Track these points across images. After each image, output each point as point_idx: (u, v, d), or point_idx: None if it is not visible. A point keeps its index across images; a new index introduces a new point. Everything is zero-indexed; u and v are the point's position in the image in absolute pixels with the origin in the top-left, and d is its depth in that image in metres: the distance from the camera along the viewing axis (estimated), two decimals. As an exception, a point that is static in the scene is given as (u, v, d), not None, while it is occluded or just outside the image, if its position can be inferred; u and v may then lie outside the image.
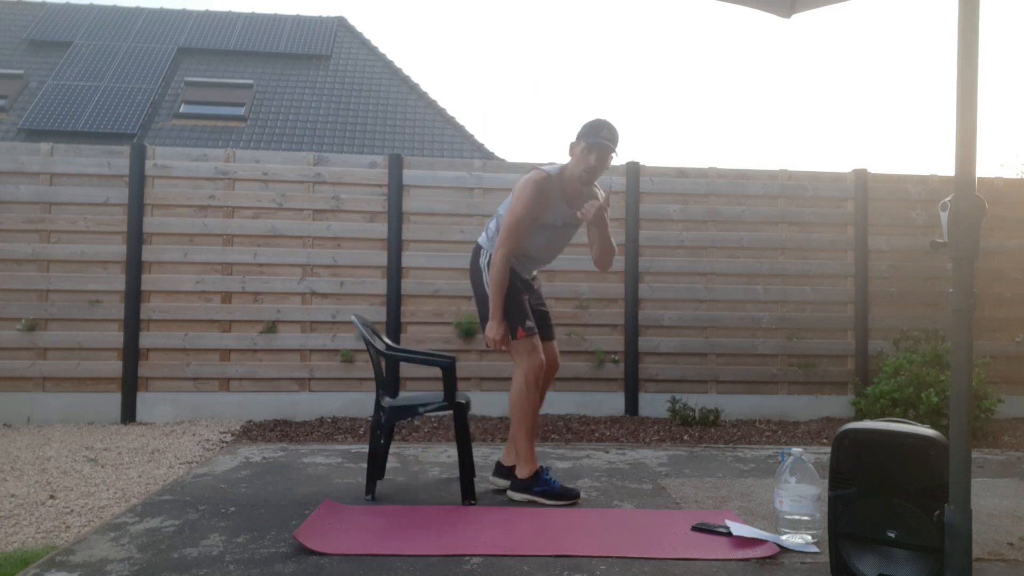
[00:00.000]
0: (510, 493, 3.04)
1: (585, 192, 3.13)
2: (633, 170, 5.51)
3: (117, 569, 2.22)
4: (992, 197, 5.57)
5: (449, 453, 4.03)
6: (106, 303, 5.08)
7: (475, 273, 3.15)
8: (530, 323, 3.02)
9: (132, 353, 5.06)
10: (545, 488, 2.99)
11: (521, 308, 3.03)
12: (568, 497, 2.99)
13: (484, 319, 3.05)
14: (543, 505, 2.96)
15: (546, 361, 3.13)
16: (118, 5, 15.69)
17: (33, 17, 15.09)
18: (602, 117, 3.05)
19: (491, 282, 2.99)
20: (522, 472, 3.02)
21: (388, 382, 5.17)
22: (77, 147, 5.21)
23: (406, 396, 3.56)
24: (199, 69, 14.50)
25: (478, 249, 3.17)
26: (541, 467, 3.05)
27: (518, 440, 3.02)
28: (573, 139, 3.04)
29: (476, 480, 3.12)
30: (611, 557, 2.34)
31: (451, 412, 3.04)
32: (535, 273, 3.29)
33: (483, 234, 3.19)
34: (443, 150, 13.43)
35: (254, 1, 36.99)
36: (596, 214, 3.03)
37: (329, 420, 5.08)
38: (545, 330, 3.23)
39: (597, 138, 2.95)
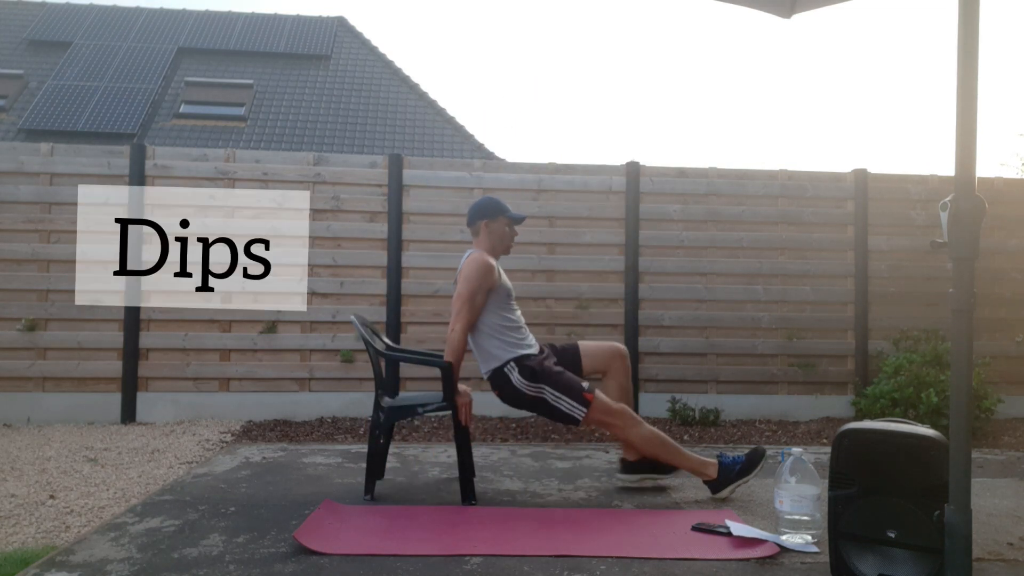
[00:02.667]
0: (717, 496, 3.10)
1: None
2: (633, 170, 5.51)
3: (117, 569, 2.22)
4: (992, 197, 5.57)
5: (449, 453, 4.03)
6: (106, 303, 5.07)
7: (513, 390, 3.13)
8: (585, 383, 3.11)
9: (132, 353, 5.06)
10: (737, 468, 3.10)
11: (569, 380, 3.11)
12: (757, 459, 3.10)
13: (550, 411, 3.11)
14: (749, 483, 3.10)
15: (609, 354, 3.28)
16: (118, 5, 15.69)
17: (33, 17, 15.09)
18: (487, 196, 3.39)
19: (448, 352, 3.07)
20: (710, 474, 3.10)
21: (388, 382, 5.18)
22: (77, 147, 5.21)
23: (406, 396, 3.56)
24: (199, 69, 14.50)
25: (499, 371, 3.15)
26: (718, 457, 3.14)
27: (681, 463, 3.12)
28: (483, 220, 3.27)
29: (476, 480, 3.13)
30: (611, 557, 2.34)
31: (451, 412, 3.04)
32: (535, 344, 3.30)
33: (483, 363, 3.19)
34: (443, 150, 13.43)
35: (254, 1, 37.00)
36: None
37: (329, 420, 5.08)
38: (573, 347, 3.35)
39: (513, 213, 3.30)
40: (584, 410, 3.05)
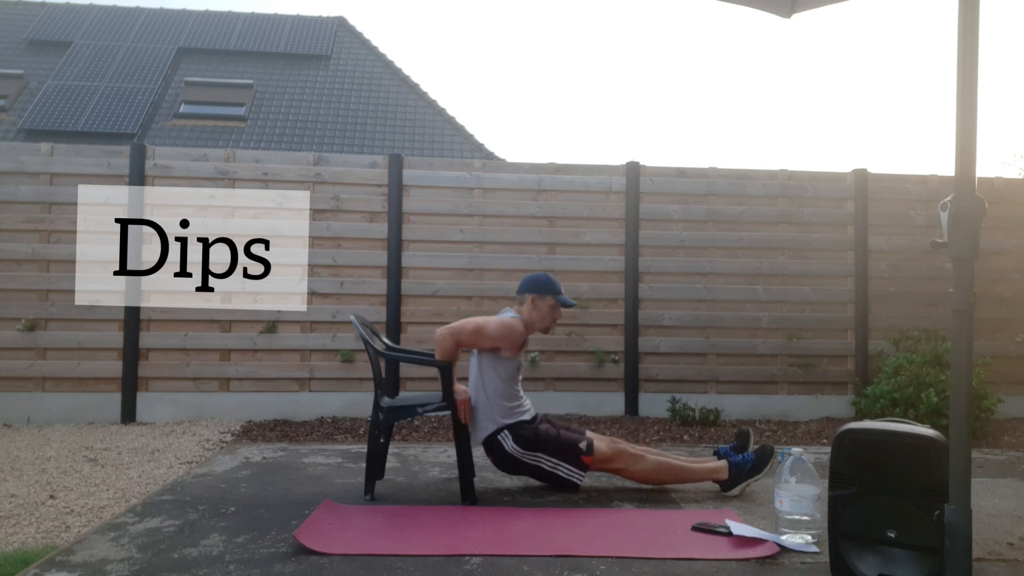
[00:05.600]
0: (728, 494, 3.14)
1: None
2: (633, 170, 5.51)
3: (117, 569, 2.22)
4: (992, 197, 5.57)
5: (449, 453, 4.03)
6: (106, 303, 5.07)
7: (508, 457, 3.13)
8: (582, 442, 3.12)
9: (132, 353, 5.06)
10: (747, 467, 3.12)
11: (564, 442, 3.13)
12: (766, 457, 3.12)
13: (548, 478, 3.13)
14: (759, 480, 3.12)
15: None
16: (118, 5, 15.69)
17: (33, 17, 15.09)
18: (545, 273, 3.31)
19: (438, 352, 3.07)
20: (721, 476, 3.14)
21: (387, 382, 5.18)
22: (77, 147, 5.21)
23: (405, 396, 3.56)
24: (199, 69, 14.50)
25: (492, 439, 3.13)
26: (728, 460, 3.16)
27: (692, 479, 3.17)
28: (531, 293, 3.22)
29: (476, 480, 3.12)
30: (611, 557, 2.34)
31: (450, 412, 3.04)
32: (532, 410, 3.29)
33: (479, 422, 3.16)
34: (443, 150, 13.43)
35: (254, 1, 36.98)
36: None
37: (329, 420, 5.08)
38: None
39: (564, 297, 3.26)
40: (583, 475, 3.12)
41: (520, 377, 3.27)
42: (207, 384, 5.14)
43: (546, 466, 3.12)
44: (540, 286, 3.23)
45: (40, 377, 5.02)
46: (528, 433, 3.13)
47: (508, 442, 3.11)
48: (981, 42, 2.00)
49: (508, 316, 3.21)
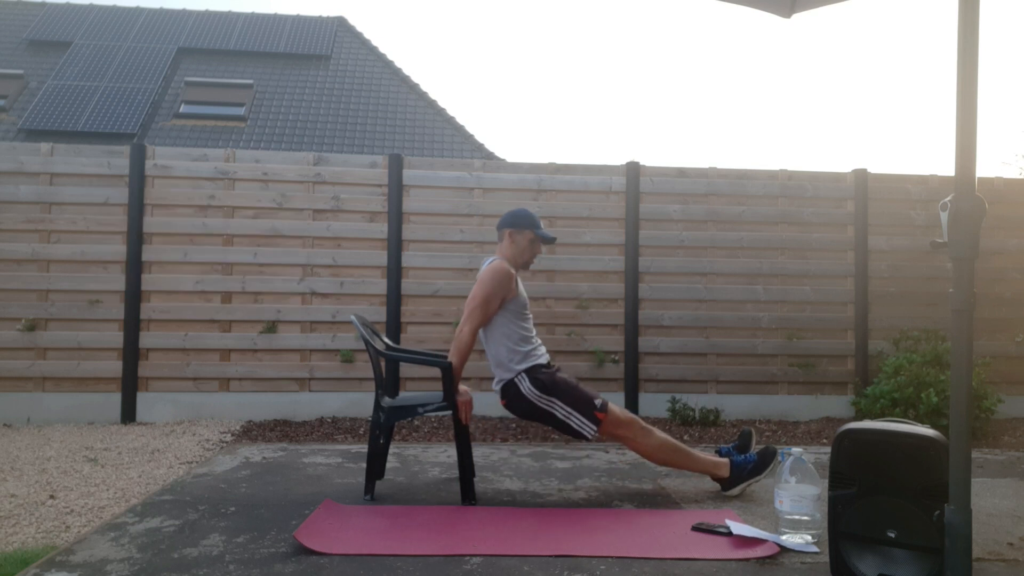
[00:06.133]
0: (728, 493, 3.14)
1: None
2: (633, 170, 5.51)
3: (117, 569, 2.22)
4: (992, 197, 5.57)
5: (449, 453, 4.03)
6: (106, 303, 5.08)
7: (523, 401, 3.13)
8: (598, 399, 3.11)
9: (132, 353, 5.06)
10: (748, 467, 3.12)
11: (581, 393, 3.12)
12: (768, 459, 3.12)
13: (559, 426, 3.12)
14: (760, 481, 3.12)
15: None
16: (118, 5, 15.69)
17: (33, 17, 15.09)
18: (524, 208, 3.30)
19: (454, 351, 3.06)
20: (722, 473, 3.14)
21: (388, 382, 5.18)
22: (77, 147, 5.21)
23: (405, 396, 3.56)
24: (199, 69, 14.50)
25: (510, 383, 3.14)
26: (730, 458, 3.16)
27: (694, 466, 3.15)
28: (509, 229, 3.24)
29: (476, 480, 3.12)
30: (611, 557, 2.34)
31: (451, 412, 3.04)
32: (546, 354, 3.29)
33: (496, 372, 3.18)
34: (443, 150, 13.43)
35: (254, 1, 36.98)
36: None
37: (329, 420, 5.08)
38: None
39: (543, 231, 3.25)
40: (595, 428, 3.08)
41: (529, 315, 3.26)
42: (207, 384, 5.14)
43: (559, 413, 3.09)
44: (517, 220, 3.24)
45: (40, 377, 5.02)
46: (545, 377, 3.11)
47: (525, 383, 3.10)
48: (981, 42, 2.00)
49: (488, 263, 3.21)
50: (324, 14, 16.84)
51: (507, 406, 3.19)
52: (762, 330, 5.52)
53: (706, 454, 3.23)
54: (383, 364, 3.28)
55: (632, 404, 5.36)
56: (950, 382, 2.06)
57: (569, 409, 3.08)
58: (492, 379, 5.21)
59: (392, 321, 5.26)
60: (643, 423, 3.15)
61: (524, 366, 3.13)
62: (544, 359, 3.22)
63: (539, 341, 3.28)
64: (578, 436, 3.10)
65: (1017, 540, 2.56)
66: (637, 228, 5.48)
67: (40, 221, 5.09)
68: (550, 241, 3.25)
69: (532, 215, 3.26)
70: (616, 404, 5.16)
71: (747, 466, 3.13)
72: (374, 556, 2.33)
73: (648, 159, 15.63)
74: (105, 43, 14.45)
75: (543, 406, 3.10)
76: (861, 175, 5.65)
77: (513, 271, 3.19)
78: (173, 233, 5.18)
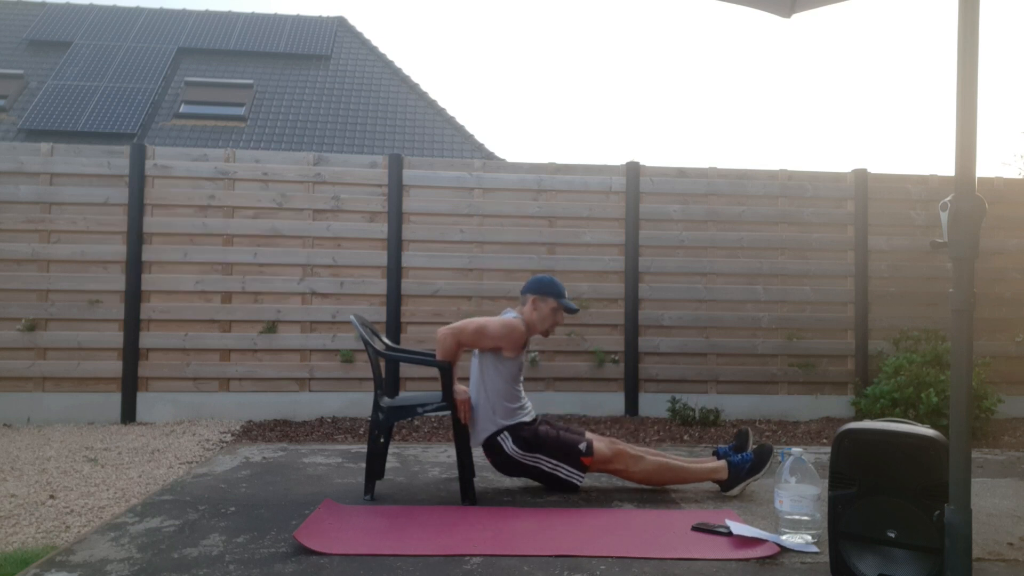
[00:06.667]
0: (727, 494, 3.15)
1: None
2: (633, 170, 5.51)
3: (117, 569, 2.22)
4: (992, 197, 5.57)
5: (449, 453, 4.03)
6: (106, 303, 5.08)
7: (507, 459, 3.12)
8: (582, 443, 3.12)
9: (132, 353, 5.06)
10: (746, 466, 3.13)
11: (564, 443, 3.13)
12: (765, 457, 3.13)
13: (548, 480, 3.13)
14: (759, 480, 3.13)
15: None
16: (118, 5, 15.69)
17: (33, 17, 15.09)
18: (549, 276, 3.29)
19: (438, 351, 3.07)
20: (720, 476, 3.15)
21: (387, 382, 5.18)
22: (77, 147, 5.21)
23: (405, 396, 3.56)
24: (199, 69, 14.50)
25: (493, 441, 3.12)
26: (727, 460, 3.17)
27: (692, 479, 3.18)
28: (533, 295, 3.21)
29: (476, 480, 3.12)
30: (611, 557, 2.34)
31: (450, 412, 3.04)
32: (532, 411, 3.28)
33: (479, 419, 3.14)
34: (443, 150, 13.43)
35: (254, 1, 36.98)
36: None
37: (329, 420, 5.08)
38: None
39: (567, 301, 3.24)
40: (583, 476, 3.12)
41: (522, 378, 3.26)
42: (207, 384, 5.14)
43: (546, 467, 3.12)
44: (543, 288, 3.22)
45: (40, 377, 5.02)
46: (528, 434, 3.12)
47: (508, 443, 3.11)
48: (981, 42, 2.00)
49: (510, 316, 3.20)
50: (324, 14, 16.85)
51: (492, 463, 3.19)
52: (762, 330, 5.52)
53: (701, 462, 3.24)
54: (383, 364, 3.28)
55: (632, 404, 5.37)
56: (950, 382, 2.06)
57: (555, 462, 3.11)
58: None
59: (392, 321, 5.26)
60: (631, 451, 3.14)
61: (509, 422, 3.12)
62: (529, 418, 3.21)
63: (527, 401, 3.27)
64: (568, 488, 3.13)
65: (1017, 540, 2.56)
66: (637, 228, 5.48)
67: (40, 221, 5.09)
68: (573, 311, 3.23)
69: (558, 284, 3.24)
70: (615, 404, 5.17)
71: (745, 465, 3.13)
72: (374, 556, 2.33)
73: (648, 159, 15.63)
74: (105, 43, 14.45)
75: (528, 463, 3.12)
76: (861, 175, 5.65)
77: (527, 335, 3.18)
78: (173, 233, 5.18)
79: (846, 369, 5.54)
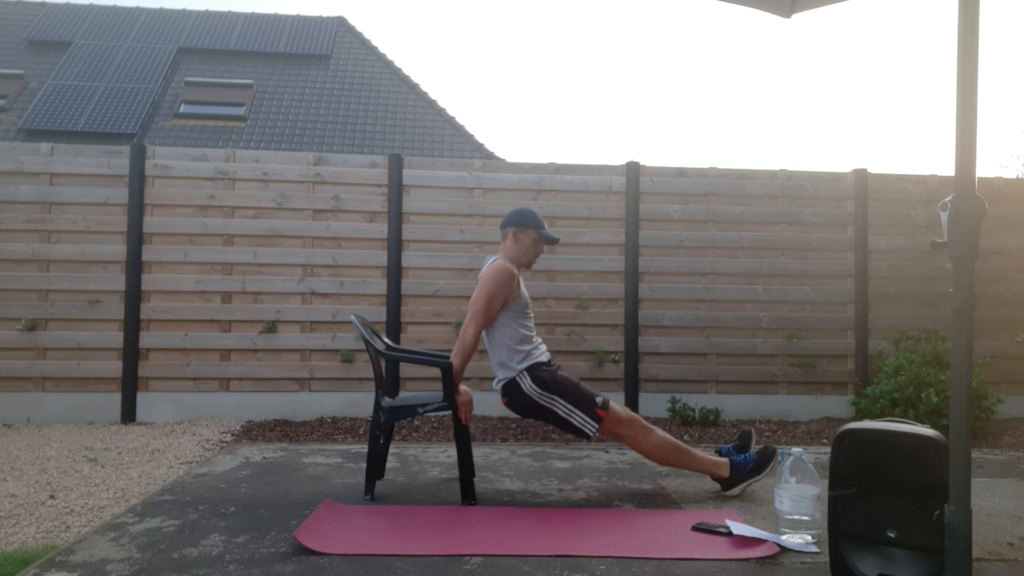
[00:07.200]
0: (728, 493, 3.14)
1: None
2: (633, 170, 5.51)
3: (117, 569, 2.22)
4: (992, 197, 5.57)
5: (449, 453, 4.03)
6: (106, 303, 5.08)
7: (524, 398, 3.12)
8: (599, 397, 3.11)
9: (132, 353, 5.06)
10: (748, 467, 3.13)
11: (582, 392, 3.12)
12: (768, 459, 3.12)
13: (561, 423, 3.11)
14: (760, 481, 3.12)
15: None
16: (118, 5, 15.69)
17: (33, 17, 15.09)
18: (529, 207, 3.31)
19: (458, 351, 3.06)
20: (723, 474, 3.14)
21: (388, 382, 5.18)
22: (77, 147, 5.21)
23: (405, 396, 3.56)
24: (199, 69, 14.50)
25: (511, 381, 3.14)
26: (730, 458, 3.16)
27: (694, 466, 3.15)
28: (513, 228, 3.24)
29: (476, 480, 3.12)
30: (611, 557, 2.34)
31: (451, 412, 3.04)
32: (546, 352, 3.29)
33: (498, 372, 3.17)
34: (443, 150, 13.43)
35: (254, 1, 36.97)
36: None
37: (329, 420, 5.08)
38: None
39: (547, 231, 3.26)
40: (596, 426, 3.07)
41: (530, 314, 3.27)
42: (207, 384, 5.14)
43: (561, 411, 3.09)
44: (523, 220, 3.24)
45: (40, 377, 5.02)
46: (546, 375, 3.11)
47: (527, 382, 3.10)
48: (981, 42, 2.00)
49: (491, 262, 3.20)
50: (324, 14, 16.85)
51: (508, 404, 3.18)
52: (762, 330, 5.52)
53: (706, 454, 3.24)
54: (383, 364, 3.28)
55: (632, 404, 5.36)
56: (950, 382, 2.06)
57: (571, 407, 3.08)
58: (492, 379, 5.22)
59: (392, 321, 5.26)
60: (644, 422, 3.15)
61: (525, 365, 3.13)
62: (545, 357, 3.22)
63: (540, 340, 3.29)
64: (579, 434, 3.10)
65: (1017, 540, 2.56)
66: (637, 228, 5.48)
67: (40, 221, 5.09)
68: (554, 241, 3.25)
69: (536, 215, 3.26)
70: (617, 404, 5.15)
71: (747, 466, 3.13)
72: (374, 556, 2.33)
73: (648, 159, 15.65)
74: (105, 43, 14.45)
75: (544, 403, 3.10)
76: (861, 175, 5.65)
77: (515, 270, 3.19)
78: (173, 233, 5.18)
79: (846, 369, 5.54)
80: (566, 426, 3.11)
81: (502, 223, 3.29)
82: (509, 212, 3.30)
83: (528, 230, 3.23)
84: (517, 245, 3.24)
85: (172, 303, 5.14)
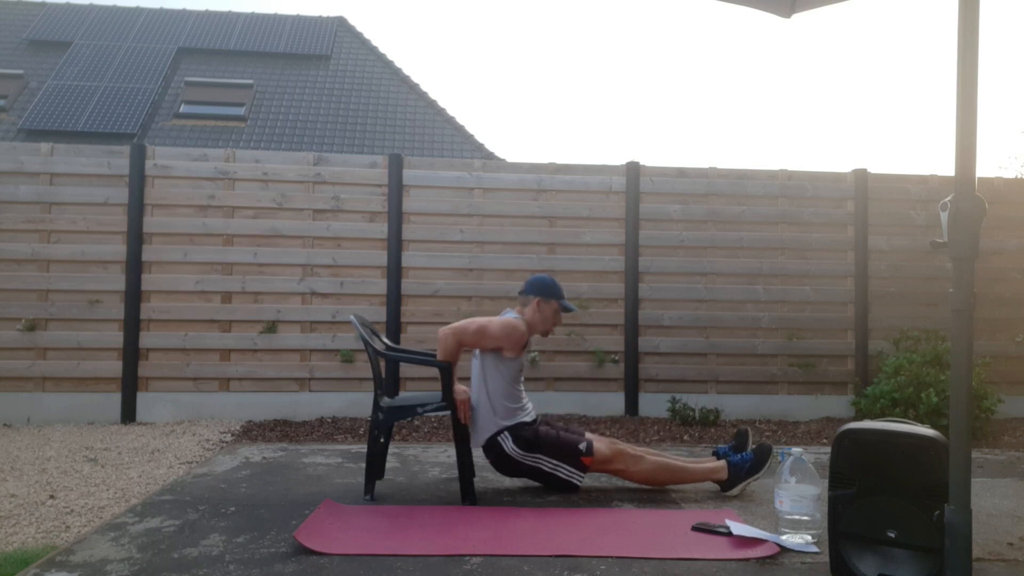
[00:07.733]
0: (727, 493, 3.15)
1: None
2: (633, 170, 5.51)
3: (117, 569, 2.22)
4: (992, 197, 5.57)
5: (449, 453, 4.03)
6: (106, 303, 5.08)
7: (507, 460, 3.12)
8: (582, 443, 3.12)
9: (132, 353, 5.06)
10: (746, 466, 3.14)
11: (564, 443, 3.13)
12: (764, 456, 3.13)
13: (548, 480, 3.14)
14: (759, 480, 3.13)
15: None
16: (118, 5, 15.69)
17: (33, 17, 15.08)
18: (550, 277, 3.32)
19: (440, 351, 3.07)
20: (720, 477, 3.16)
21: (387, 382, 5.18)
22: (77, 147, 5.21)
23: (405, 396, 3.56)
24: (199, 69, 14.49)
25: (493, 442, 3.12)
26: (726, 460, 3.17)
27: (691, 480, 3.18)
28: (536, 296, 3.23)
29: (476, 480, 3.12)
30: (611, 557, 2.34)
31: (450, 412, 3.04)
32: (532, 412, 3.28)
33: (479, 419, 3.14)
34: (443, 150, 13.43)
35: (254, 1, 36.98)
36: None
37: (329, 420, 5.08)
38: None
39: (567, 303, 3.28)
40: (583, 476, 3.13)
41: (522, 377, 3.27)
42: (207, 384, 5.14)
43: (546, 467, 3.12)
44: (546, 290, 3.25)
45: (40, 377, 5.02)
46: (528, 434, 3.12)
47: (508, 443, 3.11)
48: (981, 42, 2.00)
49: (510, 316, 3.20)
50: (324, 14, 16.85)
51: (493, 464, 3.19)
52: (762, 330, 5.52)
53: (700, 462, 3.24)
54: (382, 364, 3.28)
55: (632, 404, 5.36)
56: (950, 382, 2.06)
57: (555, 462, 3.12)
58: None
59: (392, 321, 5.26)
60: (631, 451, 3.15)
61: (508, 423, 3.12)
62: (529, 417, 3.21)
63: (528, 402, 3.27)
64: (567, 488, 3.13)
65: (1017, 540, 2.56)
66: (637, 228, 5.48)
67: (40, 221, 5.09)
68: (570, 311, 3.28)
69: (558, 285, 3.28)
70: (615, 404, 5.17)
71: (744, 465, 3.14)
72: (374, 556, 2.33)
73: (648, 159, 15.64)
74: (105, 43, 14.45)
75: (529, 463, 3.12)
76: (861, 175, 5.65)
77: (528, 335, 3.19)
78: (173, 233, 5.18)
79: (846, 369, 5.54)
80: (553, 482, 3.13)
81: (525, 290, 3.27)
82: (532, 280, 3.27)
83: (551, 300, 3.24)
84: (539, 314, 3.23)
85: (172, 303, 5.14)
